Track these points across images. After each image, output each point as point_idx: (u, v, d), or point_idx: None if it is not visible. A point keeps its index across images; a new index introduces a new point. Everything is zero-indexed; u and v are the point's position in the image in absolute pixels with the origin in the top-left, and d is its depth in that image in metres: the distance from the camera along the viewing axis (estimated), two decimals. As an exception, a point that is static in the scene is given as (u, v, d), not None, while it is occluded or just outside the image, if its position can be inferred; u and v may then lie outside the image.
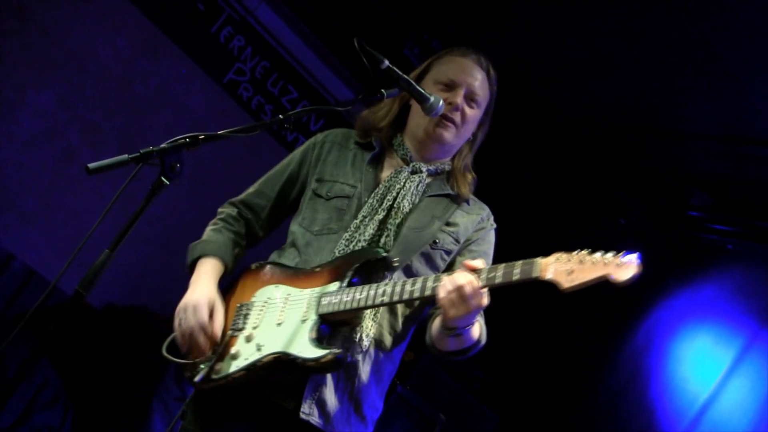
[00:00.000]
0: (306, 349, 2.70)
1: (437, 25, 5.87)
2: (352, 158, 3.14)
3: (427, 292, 2.66)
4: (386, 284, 2.72)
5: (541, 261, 2.49)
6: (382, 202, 2.97)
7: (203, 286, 2.95)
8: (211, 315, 2.87)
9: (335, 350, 2.67)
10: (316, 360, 2.66)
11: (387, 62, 2.85)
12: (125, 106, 5.87)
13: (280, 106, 6.47)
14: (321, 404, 2.80)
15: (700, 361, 5.83)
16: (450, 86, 3.06)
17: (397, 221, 2.95)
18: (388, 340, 2.93)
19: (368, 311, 2.82)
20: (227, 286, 3.07)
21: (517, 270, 2.52)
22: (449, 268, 3.00)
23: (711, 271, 6.08)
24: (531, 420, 5.95)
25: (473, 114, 3.09)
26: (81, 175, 3.15)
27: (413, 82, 2.91)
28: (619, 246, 2.61)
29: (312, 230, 3.01)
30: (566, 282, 2.43)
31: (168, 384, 5.37)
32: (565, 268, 2.45)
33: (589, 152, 6.25)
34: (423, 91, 2.91)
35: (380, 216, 2.94)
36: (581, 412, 6.29)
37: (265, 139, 6.42)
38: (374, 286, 2.73)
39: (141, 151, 2.24)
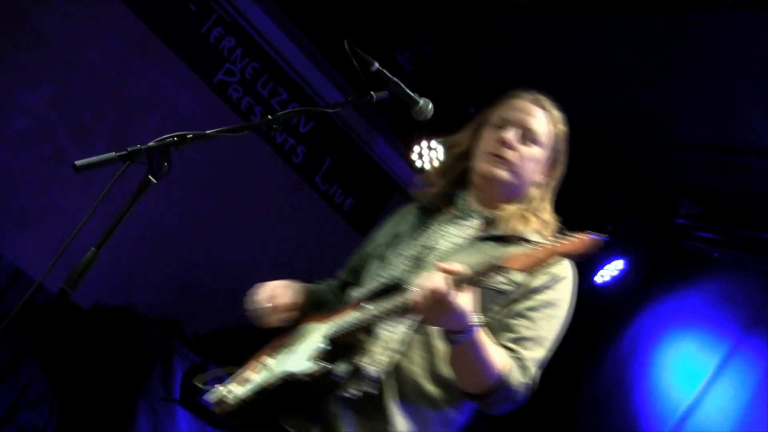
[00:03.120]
0: (303, 364, 2.65)
1: (430, 30, 5.89)
2: (408, 222, 3.07)
3: (407, 302, 2.49)
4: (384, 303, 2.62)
5: (506, 256, 2.37)
6: (422, 242, 2.89)
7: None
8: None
9: (327, 365, 2.60)
10: (309, 374, 2.60)
11: (377, 65, 2.81)
12: (116, 107, 5.88)
13: (270, 108, 6.46)
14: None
15: (683, 367, 5.88)
16: (501, 126, 2.95)
17: (431, 258, 2.80)
18: (426, 384, 2.68)
19: (380, 341, 2.67)
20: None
21: (490, 264, 2.39)
22: (502, 313, 2.73)
23: (697, 279, 6.13)
24: (516, 427, 5.97)
25: (530, 152, 2.92)
26: (70, 176, 3.15)
27: (402, 85, 2.84)
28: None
29: (362, 283, 2.98)
30: (523, 264, 2.33)
31: (154, 384, 5.37)
32: (524, 252, 2.34)
33: (579, 160, 6.27)
34: (412, 95, 2.85)
35: (413, 252, 2.86)
36: (567, 419, 6.32)
37: (254, 140, 6.41)
38: (375, 306, 2.64)
39: (129, 149, 2.22)
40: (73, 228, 2.14)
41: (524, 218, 2.88)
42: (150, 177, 2.29)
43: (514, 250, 2.38)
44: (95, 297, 5.82)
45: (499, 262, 2.37)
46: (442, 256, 2.77)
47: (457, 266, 2.41)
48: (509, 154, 2.88)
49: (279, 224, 6.78)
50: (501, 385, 2.56)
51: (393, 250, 2.95)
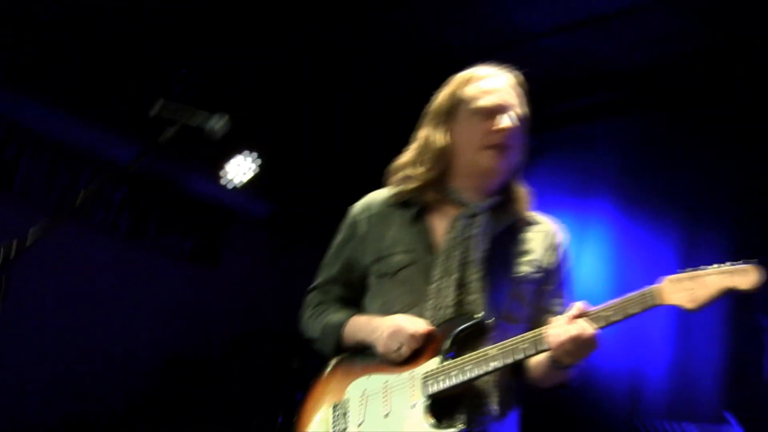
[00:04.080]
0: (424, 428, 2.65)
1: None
2: (394, 223, 3.02)
3: (541, 347, 2.60)
4: (493, 348, 2.66)
5: (657, 288, 2.51)
6: (453, 260, 2.86)
7: (377, 320, 2.87)
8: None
9: (460, 425, 2.62)
10: None
11: (157, 106, 2.83)
12: None
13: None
14: None
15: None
16: (492, 114, 2.90)
17: (477, 275, 2.83)
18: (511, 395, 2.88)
19: (488, 370, 2.69)
20: (314, 387, 3.02)
21: (634, 305, 2.53)
22: (540, 300, 2.94)
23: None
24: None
25: (518, 131, 2.94)
26: None
27: (191, 109, 2.83)
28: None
29: (392, 312, 2.87)
30: (692, 303, 2.46)
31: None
32: (686, 289, 2.48)
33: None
34: (203, 115, 2.84)
35: (456, 275, 2.83)
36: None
37: (74, 229, 6.30)
38: (482, 353, 2.67)
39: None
40: None
41: (521, 196, 3.00)
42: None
43: (662, 288, 2.50)
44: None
45: (663, 302, 2.50)
46: (483, 268, 2.83)
47: (583, 305, 2.57)
48: (511, 142, 2.90)
49: (136, 296, 6.84)
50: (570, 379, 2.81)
51: (408, 264, 2.91)
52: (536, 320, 2.84)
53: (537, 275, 2.92)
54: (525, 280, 2.89)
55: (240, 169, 6.69)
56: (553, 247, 3.00)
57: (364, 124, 6.88)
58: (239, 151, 6.68)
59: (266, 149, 6.96)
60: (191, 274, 7.32)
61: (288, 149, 7.17)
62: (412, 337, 2.73)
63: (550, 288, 2.95)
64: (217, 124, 2.86)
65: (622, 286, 5.60)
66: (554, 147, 6.25)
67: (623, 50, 5.90)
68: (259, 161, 6.87)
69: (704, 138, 5.87)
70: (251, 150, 6.82)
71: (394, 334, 2.75)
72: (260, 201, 7.64)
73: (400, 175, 3.03)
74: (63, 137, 6.46)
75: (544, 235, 3.01)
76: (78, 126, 6.46)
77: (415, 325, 2.74)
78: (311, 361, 5.93)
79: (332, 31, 6.05)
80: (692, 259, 5.59)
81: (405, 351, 2.73)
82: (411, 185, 2.98)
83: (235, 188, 6.80)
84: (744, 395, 4.95)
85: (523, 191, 3.00)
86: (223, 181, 6.79)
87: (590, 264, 5.93)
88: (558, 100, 6.25)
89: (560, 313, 2.75)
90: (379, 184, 3.13)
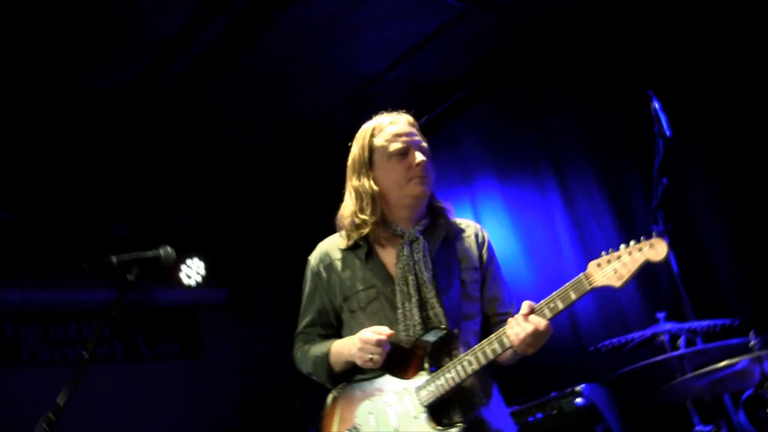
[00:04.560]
0: None
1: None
2: (351, 265, 3.29)
3: (507, 345, 2.93)
4: (467, 354, 2.99)
5: (586, 274, 2.85)
6: (409, 285, 3.16)
7: (350, 338, 3.17)
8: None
9: (459, 423, 2.99)
10: None
11: (113, 259, 3.18)
12: None
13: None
14: None
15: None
16: (405, 153, 3.25)
17: (432, 292, 3.14)
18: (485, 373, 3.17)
19: (468, 373, 3.01)
20: (324, 420, 3.26)
21: (571, 293, 2.86)
22: (485, 292, 3.31)
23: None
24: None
25: (429, 160, 3.30)
26: None
27: (141, 254, 3.23)
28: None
29: None
30: (618, 281, 2.80)
31: None
32: (611, 271, 2.82)
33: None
34: (153, 253, 3.26)
35: (415, 297, 3.13)
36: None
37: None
38: (458, 360, 3.00)
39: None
40: None
41: (441, 211, 3.37)
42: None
43: (590, 273, 2.85)
44: None
45: (595, 286, 2.85)
46: (434, 284, 3.16)
47: (529, 303, 2.93)
48: (427, 171, 3.26)
49: (144, 401, 7.41)
50: None
51: (374, 298, 3.22)
52: (487, 310, 3.32)
53: (478, 274, 3.30)
54: (470, 281, 3.26)
55: (192, 271, 7.50)
56: (481, 245, 3.37)
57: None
58: (187, 257, 7.49)
59: (208, 250, 7.72)
60: (183, 367, 7.88)
61: (228, 243, 7.97)
62: (379, 343, 3.04)
63: (488, 280, 3.33)
64: (167, 251, 3.29)
65: (530, 250, 6.41)
66: (434, 151, 6.97)
67: (449, 58, 6.59)
68: (203, 260, 7.65)
69: (545, 102, 6.53)
70: (195, 253, 7.62)
71: (362, 344, 3.07)
72: (217, 289, 8.28)
73: (347, 223, 3.32)
74: (50, 303, 7.03)
75: (472, 238, 3.36)
76: (58, 291, 7.04)
77: (378, 332, 3.06)
78: (310, 401, 6.70)
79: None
80: (573, 205, 6.31)
81: (377, 359, 3.05)
82: (362, 230, 3.26)
83: (195, 287, 7.62)
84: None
85: (441, 207, 3.37)
86: (185, 284, 7.54)
87: (498, 239, 6.40)
88: (420, 115, 6.92)
89: (502, 297, 3.31)
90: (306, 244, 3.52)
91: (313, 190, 6.99)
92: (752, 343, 3.62)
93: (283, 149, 7.12)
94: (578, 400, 5.06)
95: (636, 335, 4.73)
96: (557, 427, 5.07)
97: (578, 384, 5.18)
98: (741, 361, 3.60)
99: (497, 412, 3.19)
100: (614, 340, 4.77)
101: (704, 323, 4.56)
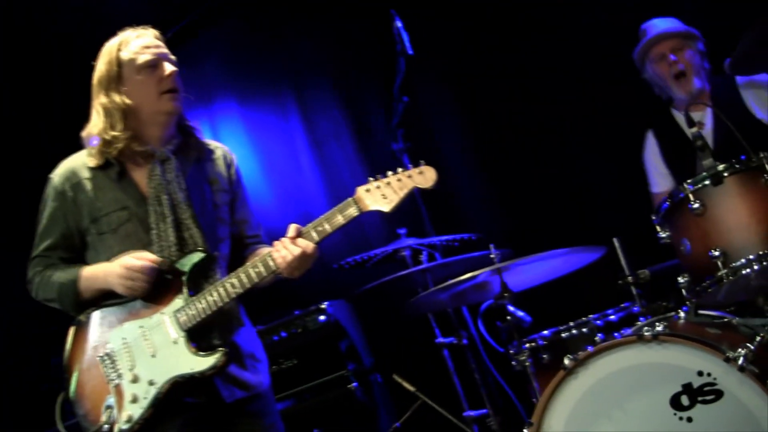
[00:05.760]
0: (197, 363, 2.97)
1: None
2: (102, 185, 3.21)
3: (273, 268, 2.96)
4: (230, 278, 3.00)
5: (355, 199, 2.90)
6: (163, 205, 3.12)
7: (107, 265, 3.09)
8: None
9: (220, 348, 2.98)
10: (214, 367, 2.96)
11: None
12: None
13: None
14: (232, 380, 3.09)
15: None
16: (155, 65, 3.19)
17: (186, 213, 3.14)
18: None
19: (231, 296, 3.02)
20: (69, 348, 3.18)
21: (339, 216, 2.91)
22: (234, 214, 3.36)
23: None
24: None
25: (179, 73, 3.25)
26: None
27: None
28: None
29: None
30: (387, 205, 2.87)
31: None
32: (379, 195, 2.88)
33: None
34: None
35: (170, 218, 3.10)
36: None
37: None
38: (219, 284, 3.00)
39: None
40: None
41: (191, 131, 3.37)
42: None
43: (360, 197, 2.90)
44: None
45: (363, 209, 2.91)
46: (189, 205, 3.16)
47: (311, 227, 2.96)
48: (178, 83, 3.23)
49: None
50: None
51: (126, 220, 3.15)
52: (236, 233, 3.37)
53: (227, 197, 3.36)
54: (221, 203, 3.31)
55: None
56: (230, 167, 3.43)
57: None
58: None
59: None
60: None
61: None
62: (143, 270, 3.02)
63: (237, 201, 3.40)
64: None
65: (270, 171, 6.37)
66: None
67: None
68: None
69: (287, 23, 6.43)
70: None
71: (126, 272, 3.02)
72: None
73: (98, 141, 3.23)
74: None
75: (221, 160, 3.40)
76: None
77: (142, 258, 3.04)
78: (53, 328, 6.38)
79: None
80: (313, 126, 6.36)
81: (141, 285, 3.03)
82: (114, 147, 3.19)
83: None
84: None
85: (191, 126, 3.38)
86: None
87: (239, 161, 6.58)
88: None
89: (250, 220, 3.39)
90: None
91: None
92: (493, 254, 3.75)
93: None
94: (322, 317, 5.15)
95: (378, 251, 4.84)
96: (302, 345, 5.16)
97: (322, 302, 5.25)
98: (482, 273, 3.76)
99: (247, 334, 3.26)
100: (357, 257, 4.86)
101: (444, 238, 4.76)
